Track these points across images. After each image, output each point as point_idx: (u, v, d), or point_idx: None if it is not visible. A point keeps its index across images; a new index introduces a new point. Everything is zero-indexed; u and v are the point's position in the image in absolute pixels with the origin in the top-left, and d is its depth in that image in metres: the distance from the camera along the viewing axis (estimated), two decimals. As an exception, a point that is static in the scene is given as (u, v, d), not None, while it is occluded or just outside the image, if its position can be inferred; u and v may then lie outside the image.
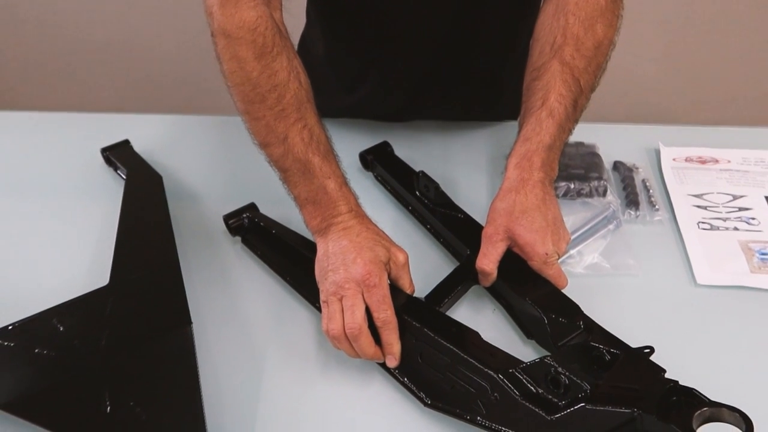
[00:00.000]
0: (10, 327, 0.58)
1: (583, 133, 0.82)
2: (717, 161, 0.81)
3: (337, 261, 0.60)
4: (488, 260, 0.63)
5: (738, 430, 0.43)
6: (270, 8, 0.63)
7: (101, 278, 0.64)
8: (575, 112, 0.67)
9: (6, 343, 0.56)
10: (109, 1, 1.87)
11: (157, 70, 2.01)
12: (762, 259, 0.68)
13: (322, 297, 0.61)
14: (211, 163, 0.87)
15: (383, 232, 0.64)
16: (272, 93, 0.61)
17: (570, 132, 0.68)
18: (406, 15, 0.78)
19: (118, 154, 0.85)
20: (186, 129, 0.94)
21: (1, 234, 0.77)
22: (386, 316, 0.58)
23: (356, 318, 0.57)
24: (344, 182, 0.65)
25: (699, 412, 0.45)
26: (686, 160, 0.82)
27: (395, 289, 0.62)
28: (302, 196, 0.64)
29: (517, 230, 0.63)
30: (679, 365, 0.50)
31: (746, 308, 0.64)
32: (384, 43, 0.82)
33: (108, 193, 0.82)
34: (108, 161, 0.86)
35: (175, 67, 2.00)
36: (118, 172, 0.85)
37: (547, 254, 0.62)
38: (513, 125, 0.92)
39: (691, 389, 0.47)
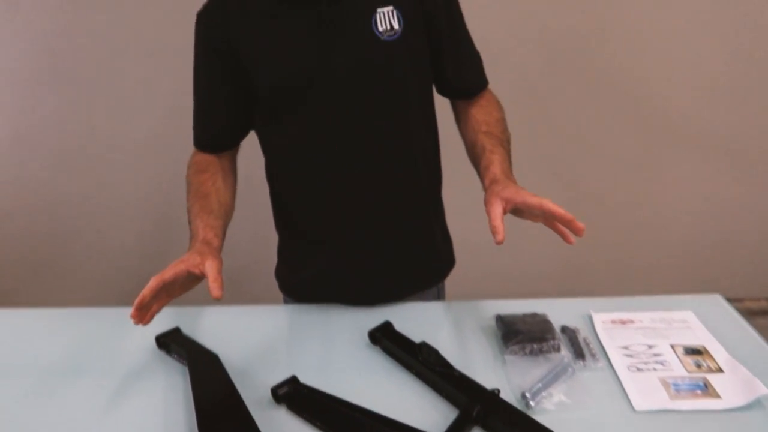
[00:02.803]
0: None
1: (536, 306, 1.12)
2: (633, 321, 1.11)
3: None
4: (495, 215, 0.94)
5: None
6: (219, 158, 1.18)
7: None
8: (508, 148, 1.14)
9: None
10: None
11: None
12: (676, 389, 0.94)
13: None
14: (245, 346, 1.07)
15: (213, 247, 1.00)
16: (194, 188, 1.13)
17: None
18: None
19: (173, 339, 1.05)
20: (217, 318, 1.15)
21: (78, 414, 0.93)
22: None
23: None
24: (209, 227, 1.04)
25: None
26: (612, 322, 1.11)
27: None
28: (191, 231, 1.05)
29: (507, 194, 0.97)
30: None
31: (669, 424, 0.89)
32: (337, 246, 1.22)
33: (167, 371, 1.01)
34: (163, 345, 1.05)
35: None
36: (172, 354, 1.04)
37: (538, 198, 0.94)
38: (462, 304, 1.19)
39: None
